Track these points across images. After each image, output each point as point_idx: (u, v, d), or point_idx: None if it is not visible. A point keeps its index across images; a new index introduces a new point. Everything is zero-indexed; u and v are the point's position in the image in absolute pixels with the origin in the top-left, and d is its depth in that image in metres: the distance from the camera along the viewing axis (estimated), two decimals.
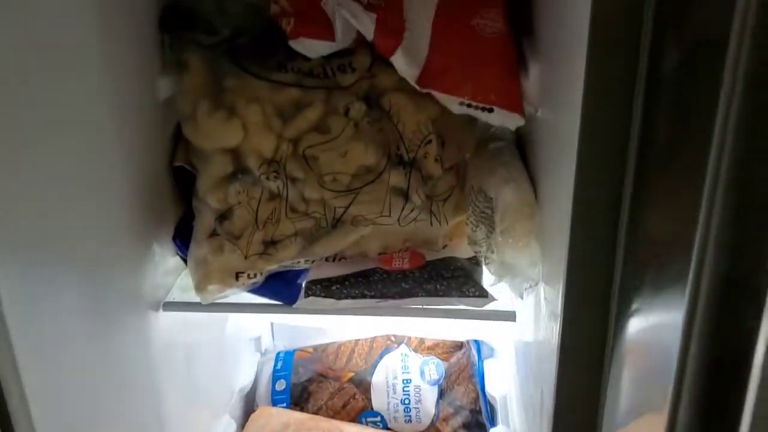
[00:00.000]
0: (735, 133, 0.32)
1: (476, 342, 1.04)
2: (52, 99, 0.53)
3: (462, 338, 1.04)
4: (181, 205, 0.77)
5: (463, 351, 1.03)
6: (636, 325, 0.44)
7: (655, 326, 0.41)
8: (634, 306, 0.44)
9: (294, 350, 1.06)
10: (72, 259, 0.57)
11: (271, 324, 1.11)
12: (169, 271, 0.76)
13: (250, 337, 1.09)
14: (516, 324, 0.73)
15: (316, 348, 1.06)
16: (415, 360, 1.00)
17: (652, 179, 0.43)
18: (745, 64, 0.31)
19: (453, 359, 1.02)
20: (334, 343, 1.05)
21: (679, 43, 0.40)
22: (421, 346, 1.04)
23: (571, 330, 0.50)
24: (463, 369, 1.01)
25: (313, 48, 0.68)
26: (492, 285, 0.70)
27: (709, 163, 0.33)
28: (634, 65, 0.44)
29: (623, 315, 0.45)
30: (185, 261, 0.73)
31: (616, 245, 0.46)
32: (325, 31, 0.67)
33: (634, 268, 0.44)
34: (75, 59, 0.57)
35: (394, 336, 1.04)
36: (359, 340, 1.05)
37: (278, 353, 1.06)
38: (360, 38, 0.69)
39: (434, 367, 1.00)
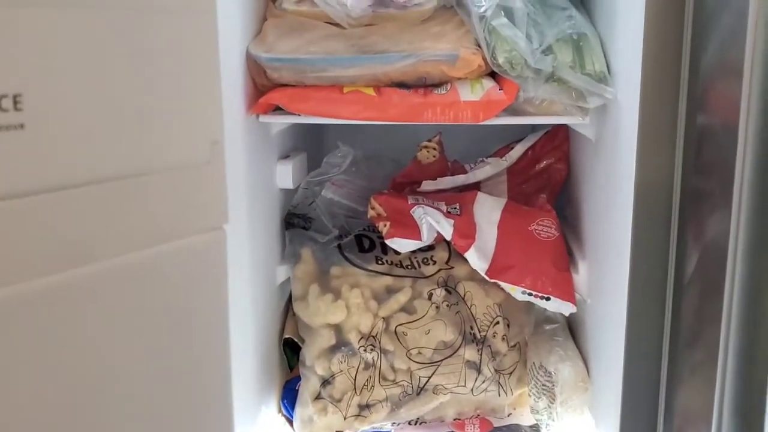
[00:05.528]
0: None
1: None
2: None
3: None
4: (284, 371, 0.91)
5: None
6: None
7: None
8: None
9: None
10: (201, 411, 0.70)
11: None
12: (274, 428, 0.88)
13: None
14: None
15: None
16: None
17: (680, 361, 0.56)
18: None
19: None
20: None
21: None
22: None
23: None
24: None
25: (403, 245, 0.84)
26: None
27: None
28: (665, 268, 0.59)
29: None
30: (288, 420, 0.86)
31: (657, 415, 0.58)
32: (414, 233, 0.84)
33: None
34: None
35: None
36: None
37: None
38: (440, 236, 0.86)
39: None
